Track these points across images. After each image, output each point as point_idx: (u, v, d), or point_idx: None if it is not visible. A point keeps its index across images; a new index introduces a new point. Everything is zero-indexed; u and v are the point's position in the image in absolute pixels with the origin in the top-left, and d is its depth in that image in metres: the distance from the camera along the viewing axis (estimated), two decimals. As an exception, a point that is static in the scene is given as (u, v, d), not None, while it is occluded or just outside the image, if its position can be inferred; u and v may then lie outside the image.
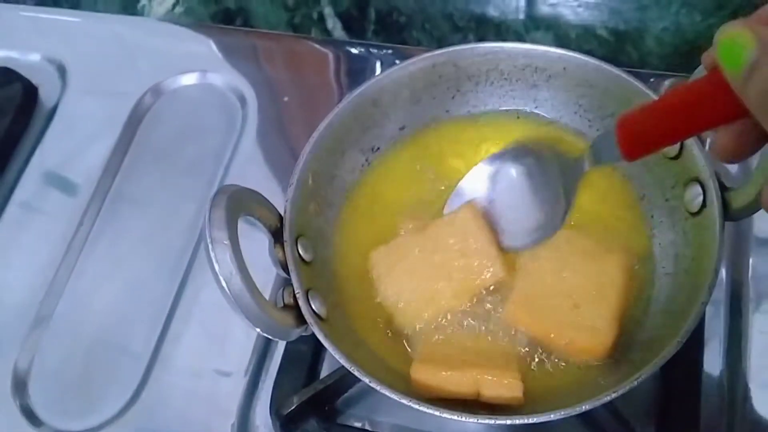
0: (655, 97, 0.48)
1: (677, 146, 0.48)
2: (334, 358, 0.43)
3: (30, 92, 0.72)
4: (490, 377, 0.44)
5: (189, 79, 0.72)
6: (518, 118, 0.57)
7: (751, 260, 0.54)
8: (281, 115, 0.69)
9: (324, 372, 0.54)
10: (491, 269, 0.48)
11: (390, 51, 0.71)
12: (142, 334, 0.58)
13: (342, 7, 0.71)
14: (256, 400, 0.54)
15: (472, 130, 0.57)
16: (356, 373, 0.42)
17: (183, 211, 0.63)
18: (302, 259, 0.48)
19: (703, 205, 0.45)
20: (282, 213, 0.48)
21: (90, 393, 0.56)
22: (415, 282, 0.49)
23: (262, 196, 0.47)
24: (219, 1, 0.74)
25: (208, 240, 0.40)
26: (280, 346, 0.55)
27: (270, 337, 0.44)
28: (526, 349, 0.47)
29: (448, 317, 0.48)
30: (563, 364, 0.46)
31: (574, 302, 0.47)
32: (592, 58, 0.52)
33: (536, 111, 0.56)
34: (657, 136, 0.35)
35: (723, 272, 0.54)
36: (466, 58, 0.55)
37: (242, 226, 0.43)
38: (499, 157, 0.52)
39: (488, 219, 0.50)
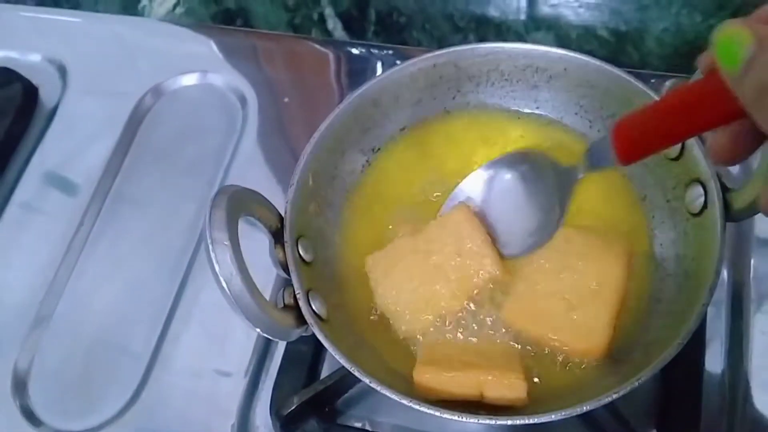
0: (656, 98, 0.48)
1: (678, 147, 0.48)
2: (335, 358, 0.43)
3: (30, 92, 0.72)
4: (493, 378, 0.44)
5: (189, 80, 0.72)
6: (519, 118, 0.57)
7: (752, 261, 0.54)
8: (281, 115, 0.69)
9: (324, 372, 0.54)
10: (488, 268, 0.48)
11: (390, 51, 0.71)
12: (142, 335, 0.58)
13: (342, 8, 0.71)
14: (257, 401, 0.54)
15: (473, 130, 0.57)
16: (356, 374, 0.42)
17: (183, 211, 0.63)
18: (303, 260, 0.48)
19: (705, 205, 0.45)
20: (282, 213, 0.48)
21: (90, 393, 0.56)
22: (413, 285, 0.49)
23: (263, 197, 0.47)
24: (219, 2, 0.74)
25: (209, 240, 0.40)
26: (281, 347, 0.55)
27: (270, 337, 0.44)
28: (527, 348, 0.47)
29: (448, 319, 0.48)
30: (563, 364, 0.46)
31: (571, 303, 0.47)
32: (593, 58, 0.52)
33: (537, 111, 0.56)
34: (652, 139, 0.35)
35: (724, 273, 0.54)
36: (467, 59, 0.55)
37: (242, 226, 0.43)
38: (494, 164, 0.52)
39: (483, 221, 0.50)
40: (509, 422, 0.41)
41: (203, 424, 0.54)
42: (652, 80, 0.63)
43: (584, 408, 0.40)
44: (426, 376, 0.44)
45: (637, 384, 0.40)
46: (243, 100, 0.70)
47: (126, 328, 0.59)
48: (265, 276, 0.54)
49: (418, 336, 0.48)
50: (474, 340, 0.48)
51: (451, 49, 0.54)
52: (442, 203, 0.53)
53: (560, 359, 0.47)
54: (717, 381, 0.50)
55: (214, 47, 0.74)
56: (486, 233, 0.50)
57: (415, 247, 0.50)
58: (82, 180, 0.67)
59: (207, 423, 0.54)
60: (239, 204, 0.44)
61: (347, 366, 0.43)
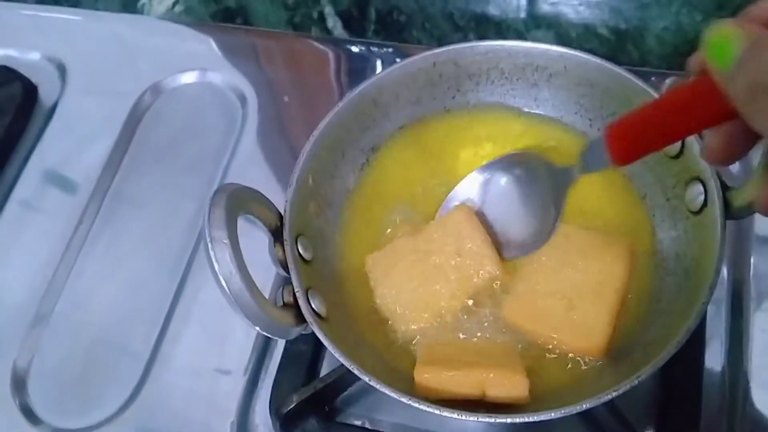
0: (656, 96, 0.48)
1: (678, 145, 0.48)
2: (334, 356, 0.43)
3: (30, 91, 0.72)
4: (494, 376, 0.44)
5: (189, 78, 0.72)
6: (519, 117, 0.57)
7: (752, 259, 0.54)
8: (281, 114, 0.69)
9: (324, 371, 0.54)
10: (487, 268, 0.48)
11: (390, 50, 0.71)
12: (142, 333, 0.58)
13: (342, 6, 0.71)
14: (256, 399, 0.54)
15: (473, 129, 0.57)
16: (356, 372, 0.42)
17: (182, 210, 0.63)
18: (302, 258, 0.48)
19: (705, 203, 0.45)
20: (282, 212, 0.48)
21: (89, 392, 0.56)
22: (413, 285, 0.49)
23: (262, 195, 0.47)
24: (219, 0, 0.74)
25: (208, 239, 0.40)
26: (280, 345, 0.55)
27: (270, 335, 0.44)
28: (527, 347, 0.47)
29: (447, 319, 0.48)
30: (563, 363, 0.46)
31: (570, 302, 0.47)
32: (593, 56, 0.52)
33: (537, 110, 0.56)
34: (645, 140, 0.35)
35: (724, 271, 0.54)
36: (467, 57, 0.55)
37: (242, 224, 0.43)
38: (489, 167, 0.52)
39: (482, 222, 0.50)
40: (508, 420, 0.41)
41: (203, 422, 0.54)
42: (652, 78, 0.63)
43: (584, 406, 0.40)
44: (426, 376, 0.44)
45: (636, 382, 0.40)
46: (242, 99, 0.69)
47: (125, 327, 0.58)
48: (265, 274, 0.54)
49: (418, 336, 0.48)
50: (474, 339, 0.48)
51: (451, 47, 0.54)
52: (441, 202, 0.53)
53: (560, 358, 0.47)
54: (717, 379, 0.50)
55: (214, 45, 0.74)
56: (486, 233, 0.50)
57: (415, 247, 0.50)
58: (81, 178, 0.67)
59: (206, 421, 0.54)
60: (238, 202, 0.44)
61: (347, 364, 0.43)
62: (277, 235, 0.47)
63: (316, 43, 0.73)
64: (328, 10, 0.72)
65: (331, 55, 0.72)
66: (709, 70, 0.30)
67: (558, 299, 0.47)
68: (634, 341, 0.46)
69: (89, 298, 0.60)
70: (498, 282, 0.49)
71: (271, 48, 0.73)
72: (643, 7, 0.63)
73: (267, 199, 0.48)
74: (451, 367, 0.44)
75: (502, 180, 0.51)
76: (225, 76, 0.71)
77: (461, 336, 0.48)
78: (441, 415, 0.41)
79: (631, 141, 0.36)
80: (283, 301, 0.45)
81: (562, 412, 0.40)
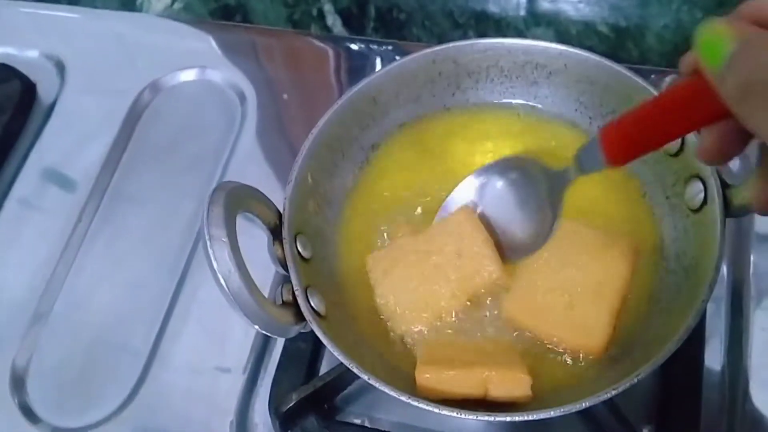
0: (656, 93, 0.48)
1: (678, 143, 0.48)
2: (333, 355, 0.43)
3: (28, 89, 0.72)
4: (497, 375, 0.43)
5: (188, 76, 0.71)
6: (518, 115, 0.56)
7: (752, 257, 0.54)
8: (280, 111, 0.69)
9: (323, 369, 0.54)
10: (488, 269, 0.48)
11: (390, 47, 0.71)
12: (141, 332, 0.58)
13: (342, 4, 0.71)
14: (255, 398, 0.54)
15: (472, 127, 0.57)
16: (355, 370, 0.42)
17: (182, 208, 0.63)
18: (301, 257, 0.48)
19: (704, 201, 0.45)
20: (281, 210, 0.48)
21: (88, 390, 0.56)
22: (413, 285, 0.49)
23: (261, 193, 0.47)
24: (218, -2, 0.74)
25: (207, 237, 0.40)
26: (279, 344, 0.55)
27: (269, 334, 0.44)
28: (527, 346, 0.47)
29: (448, 319, 0.48)
30: (562, 361, 0.46)
31: (571, 299, 0.47)
32: (593, 54, 0.52)
33: (537, 108, 0.56)
34: (639, 141, 0.35)
35: (724, 269, 0.54)
36: (466, 55, 0.54)
37: (241, 223, 0.43)
38: (485, 171, 0.52)
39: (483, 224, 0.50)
40: (508, 419, 0.41)
41: (202, 421, 0.54)
42: (652, 76, 0.63)
43: (583, 404, 0.40)
44: (426, 376, 0.44)
45: (636, 380, 0.40)
46: (242, 97, 0.69)
47: (124, 325, 0.58)
48: (264, 273, 0.54)
49: (418, 336, 0.48)
50: (474, 339, 0.48)
51: (451, 44, 0.54)
52: (440, 202, 0.53)
53: (559, 357, 0.46)
54: (716, 378, 0.50)
55: (213, 43, 0.74)
56: (487, 234, 0.49)
57: (416, 247, 0.50)
58: (80, 176, 0.66)
59: (206, 420, 0.54)
60: (237, 200, 0.43)
61: (346, 363, 0.42)
62: (276, 233, 0.47)
63: (315, 41, 0.72)
64: (328, 7, 0.72)
65: (330, 52, 0.72)
66: (702, 70, 0.30)
67: (558, 297, 0.47)
68: (633, 340, 0.46)
69: (88, 297, 0.60)
70: (498, 283, 0.48)
71: (270, 46, 0.73)
72: (643, 5, 0.62)
73: (266, 197, 0.48)
74: (452, 366, 0.44)
75: (499, 184, 0.51)
76: (224, 73, 0.71)
77: (461, 336, 0.48)
78: (440, 413, 0.41)
79: (626, 142, 0.36)
80: (282, 300, 0.45)
81: (562, 410, 0.40)
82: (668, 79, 0.64)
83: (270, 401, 0.52)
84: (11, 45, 0.75)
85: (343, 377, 0.50)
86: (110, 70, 0.73)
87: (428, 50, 0.54)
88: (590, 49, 0.52)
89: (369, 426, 0.52)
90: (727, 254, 0.54)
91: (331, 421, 0.51)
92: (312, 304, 0.45)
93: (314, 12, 0.72)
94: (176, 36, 0.75)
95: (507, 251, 0.50)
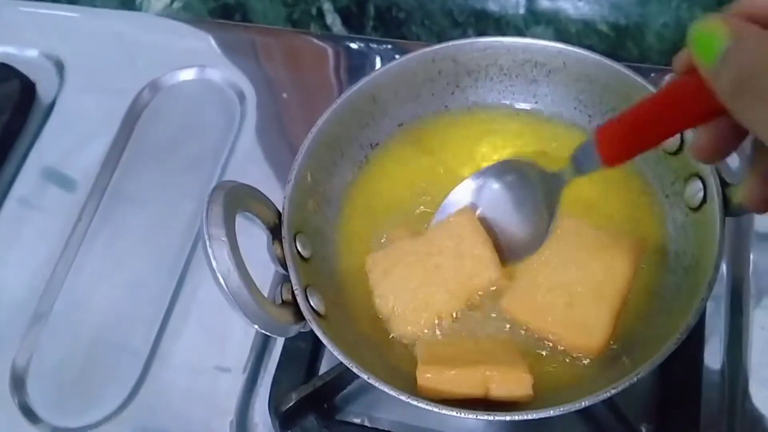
0: (655, 92, 0.48)
1: (677, 142, 0.48)
2: (333, 354, 0.43)
3: (27, 88, 0.72)
4: (498, 373, 0.43)
5: (187, 75, 0.71)
6: (518, 113, 0.56)
7: (751, 256, 0.54)
8: (280, 111, 0.69)
9: (323, 368, 0.54)
10: (486, 271, 0.48)
11: (390, 46, 0.71)
12: (141, 331, 0.58)
13: (341, 3, 0.71)
14: (255, 397, 0.54)
15: (472, 126, 0.57)
16: (355, 370, 0.42)
17: (181, 207, 0.63)
18: (301, 256, 0.48)
19: (704, 200, 0.45)
20: (280, 209, 0.48)
21: (88, 390, 0.56)
22: (412, 285, 0.49)
23: (260, 192, 0.47)
24: (217, -3, 0.74)
25: (206, 236, 0.40)
26: (279, 343, 0.55)
27: (268, 333, 0.44)
28: (527, 345, 0.47)
29: (447, 320, 0.48)
30: (562, 360, 0.46)
31: (571, 299, 0.47)
32: (592, 53, 0.52)
33: (536, 106, 0.56)
34: (635, 140, 0.36)
35: (723, 268, 0.54)
36: (466, 53, 0.54)
37: (240, 222, 0.43)
38: (482, 174, 0.52)
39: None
40: (507, 418, 0.41)
41: (202, 420, 0.54)
42: (652, 75, 0.63)
43: (583, 403, 0.40)
44: (427, 376, 0.44)
45: (635, 379, 0.40)
46: (241, 96, 0.69)
47: (124, 325, 0.58)
48: (263, 272, 0.54)
49: (418, 336, 0.48)
50: (474, 339, 0.48)
51: (450, 43, 0.54)
52: (440, 201, 0.53)
53: (559, 356, 0.46)
54: (716, 376, 0.50)
55: (212, 42, 0.74)
56: (486, 235, 0.49)
57: (416, 248, 0.50)
58: (79, 176, 0.66)
59: (206, 420, 0.54)
60: (236, 200, 0.43)
61: (345, 362, 0.42)
62: (275, 232, 0.47)
63: (315, 40, 0.72)
64: (327, 6, 0.72)
65: (330, 51, 0.71)
66: (696, 66, 0.30)
67: (559, 295, 0.47)
68: (633, 339, 0.46)
69: (88, 297, 0.60)
70: (497, 284, 0.48)
71: (269, 45, 0.73)
72: (643, 3, 0.62)
73: (265, 196, 0.47)
74: (453, 366, 0.44)
75: (495, 186, 0.51)
76: (224, 73, 0.71)
77: (461, 336, 0.48)
78: (440, 413, 0.40)
79: (621, 142, 0.36)
80: (282, 299, 0.45)
81: (562, 409, 0.40)
82: (668, 77, 0.64)
83: (270, 401, 0.52)
84: (11, 44, 0.75)
85: (342, 377, 0.50)
86: (109, 70, 0.73)
87: (428, 49, 0.54)
88: (590, 47, 0.52)
89: (369, 425, 0.52)
90: (727, 253, 0.54)
91: (331, 421, 0.51)
92: (311, 304, 0.45)
93: (313, 11, 0.72)
94: (175, 35, 0.75)
95: (505, 253, 0.50)
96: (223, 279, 0.40)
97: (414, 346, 0.48)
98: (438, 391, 0.43)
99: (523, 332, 0.48)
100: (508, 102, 0.56)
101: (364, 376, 0.42)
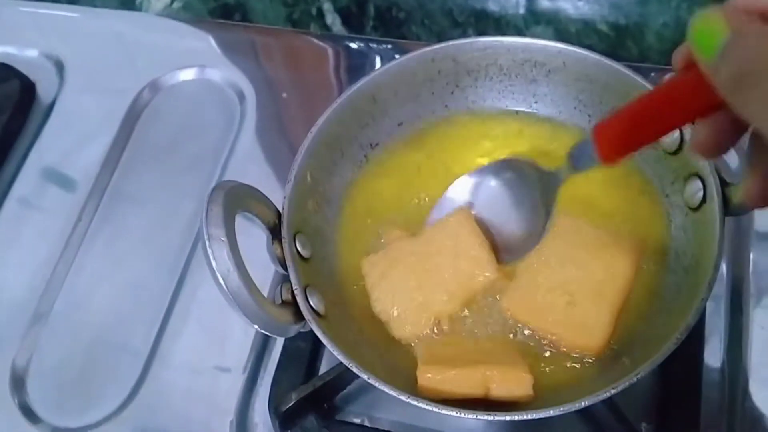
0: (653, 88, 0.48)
1: (677, 141, 0.48)
2: (333, 354, 0.43)
3: (27, 88, 0.72)
4: (498, 373, 0.43)
5: (187, 75, 0.71)
6: (517, 113, 0.56)
7: (751, 255, 0.54)
8: (280, 110, 0.69)
9: (323, 368, 0.54)
10: (484, 272, 0.48)
11: (389, 46, 0.71)
12: (141, 331, 0.58)
13: (341, 3, 0.71)
14: (255, 397, 0.54)
15: (471, 125, 0.57)
16: (354, 370, 0.42)
17: (181, 207, 0.63)
18: (300, 256, 0.48)
19: (704, 200, 0.45)
20: (280, 209, 0.48)
21: (88, 390, 0.56)
22: (410, 288, 0.49)
23: (260, 192, 0.47)
24: (217, -3, 0.74)
25: (206, 237, 0.40)
26: (279, 343, 0.55)
27: (268, 333, 0.44)
28: (527, 345, 0.47)
29: (447, 320, 0.48)
30: (561, 360, 0.46)
31: (571, 298, 0.47)
32: (592, 52, 0.52)
33: (536, 106, 0.56)
34: (633, 136, 0.35)
35: (723, 268, 0.54)
36: (465, 53, 0.54)
37: (240, 222, 0.43)
38: (479, 172, 0.52)
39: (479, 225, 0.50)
40: (507, 418, 0.41)
41: (202, 420, 0.54)
42: (652, 74, 0.63)
43: (583, 403, 0.40)
44: (428, 376, 0.44)
45: (635, 379, 0.40)
46: (241, 96, 0.69)
47: (124, 325, 0.58)
48: (263, 272, 0.54)
49: (417, 338, 0.48)
50: (474, 339, 0.48)
51: (450, 43, 0.54)
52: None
53: (559, 356, 0.46)
54: (716, 376, 0.50)
55: (212, 42, 0.74)
56: (483, 236, 0.49)
57: (412, 249, 0.50)
58: (79, 176, 0.66)
59: (205, 419, 0.54)
60: (236, 200, 0.43)
61: (345, 362, 0.42)
62: (275, 232, 0.47)
63: (314, 40, 0.72)
64: (327, 6, 0.72)
65: (330, 51, 0.71)
66: (695, 60, 0.30)
67: (559, 295, 0.47)
68: (633, 339, 0.46)
69: (88, 297, 0.60)
70: (495, 284, 0.48)
71: (269, 45, 0.73)
72: (643, 3, 0.62)
73: (265, 196, 0.47)
74: (453, 366, 0.44)
75: (492, 184, 0.51)
76: (223, 73, 0.71)
77: (461, 336, 0.48)
78: (440, 413, 0.40)
79: (619, 138, 0.36)
80: (282, 299, 0.45)
81: (561, 409, 0.40)
82: (667, 77, 0.63)
83: (270, 401, 0.52)
84: (11, 44, 0.75)
85: (342, 377, 0.50)
86: (109, 70, 0.73)
87: (427, 49, 0.54)
88: (590, 47, 0.52)
89: (369, 425, 0.52)
90: (727, 252, 0.54)
91: (331, 421, 0.51)
92: (311, 304, 0.45)
93: (313, 11, 0.72)
94: (175, 35, 0.75)
95: (502, 252, 0.50)
96: (223, 279, 0.40)
97: (414, 347, 0.48)
98: (439, 391, 0.43)
99: (523, 332, 0.48)
100: (507, 102, 0.56)
101: (364, 376, 0.42)
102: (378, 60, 0.70)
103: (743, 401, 0.49)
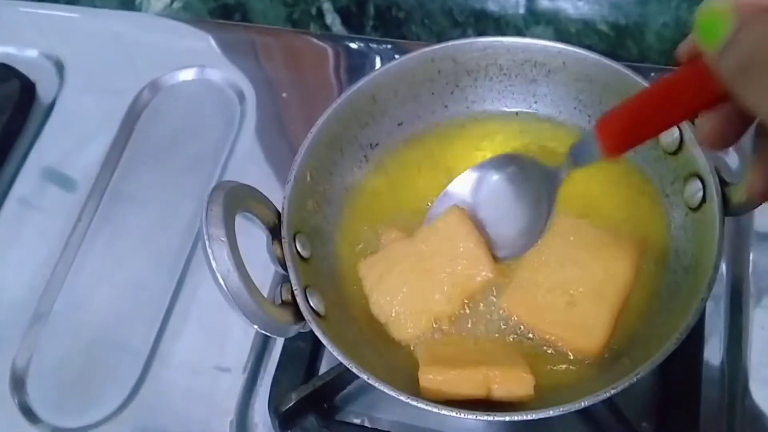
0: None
1: (677, 141, 0.48)
2: (333, 354, 0.43)
3: (27, 88, 0.72)
4: (500, 374, 0.43)
5: (187, 75, 0.71)
6: (517, 113, 0.56)
7: (751, 255, 0.54)
8: (280, 110, 0.69)
9: (323, 369, 0.54)
10: (481, 272, 0.48)
11: (389, 46, 0.71)
12: (141, 331, 0.58)
13: (341, 3, 0.71)
14: (255, 397, 0.54)
15: (471, 125, 0.57)
16: (354, 370, 0.42)
17: (181, 207, 0.63)
18: (300, 256, 0.48)
19: (703, 200, 0.45)
20: (280, 209, 0.48)
21: (88, 390, 0.56)
22: (408, 289, 0.48)
23: (260, 193, 0.47)
24: (217, -3, 0.74)
25: (205, 237, 0.40)
26: (279, 343, 0.55)
27: (268, 334, 0.44)
28: (526, 345, 0.47)
29: (446, 321, 0.48)
30: (561, 361, 0.46)
31: (571, 298, 0.47)
32: (592, 52, 0.52)
33: (535, 106, 0.56)
34: (637, 129, 0.35)
35: (723, 268, 0.54)
36: (465, 53, 0.54)
37: (240, 222, 0.43)
38: (480, 168, 0.52)
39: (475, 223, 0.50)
40: (507, 419, 0.41)
41: (202, 420, 0.54)
42: (652, 74, 0.62)
43: (582, 404, 0.40)
44: (429, 377, 0.43)
45: (635, 379, 0.40)
46: (241, 96, 0.69)
47: (124, 325, 0.58)
48: (263, 273, 0.54)
49: (417, 339, 0.48)
50: (474, 339, 0.48)
51: (449, 43, 0.54)
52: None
53: (558, 356, 0.46)
54: (716, 376, 0.50)
55: (212, 42, 0.74)
56: (479, 235, 0.49)
57: (409, 251, 0.50)
58: (79, 176, 0.66)
59: (205, 420, 0.54)
60: (236, 200, 0.43)
61: (345, 362, 0.42)
62: (275, 232, 0.47)
63: (314, 40, 0.72)
64: (327, 6, 0.72)
65: (329, 51, 0.71)
66: (701, 51, 0.30)
67: (559, 295, 0.47)
68: (633, 339, 0.46)
69: (88, 297, 0.60)
70: (493, 284, 0.48)
71: (269, 45, 0.73)
72: (643, 3, 0.62)
73: (265, 196, 0.48)
74: (454, 366, 0.44)
75: (494, 179, 0.51)
76: (223, 73, 0.71)
77: (461, 336, 0.48)
78: (440, 413, 0.41)
79: (623, 131, 0.36)
80: (282, 299, 0.45)
81: (561, 410, 0.40)
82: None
83: (270, 401, 0.52)
84: (10, 44, 0.75)
85: (342, 377, 0.50)
86: (109, 70, 0.73)
87: (427, 49, 0.54)
88: (590, 47, 0.52)
89: (369, 425, 0.52)
90: (727, 252, 0.54)
91: (331, 421, 0.51)
92: (311, 304, 0.45)
93: (313, 11, 0.72)
94: (175, 35, 0.75)
95: (501, 249, 0.50)
96: (223, 279, 0.40)
97: (414, 348, 0.48)
98: (441, 392, 0.43)
99: (523, 332, 0.47)
100: (507, 102, 0.56)
101: (364, 376, 0.42)
102: (378, 60, 0.70)
103: (743, 401, 0.49)
